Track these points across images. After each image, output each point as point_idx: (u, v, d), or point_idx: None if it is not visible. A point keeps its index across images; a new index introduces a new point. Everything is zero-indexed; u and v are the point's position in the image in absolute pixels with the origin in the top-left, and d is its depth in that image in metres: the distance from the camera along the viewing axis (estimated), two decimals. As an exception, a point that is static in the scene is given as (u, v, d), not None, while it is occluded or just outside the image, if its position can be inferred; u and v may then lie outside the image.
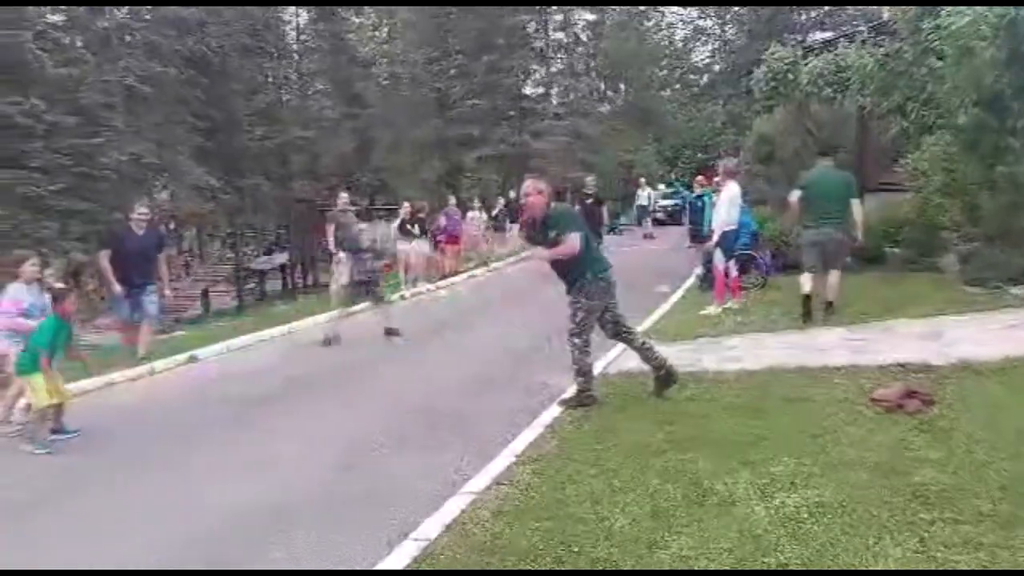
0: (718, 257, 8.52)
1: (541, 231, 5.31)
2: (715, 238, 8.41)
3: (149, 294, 8.08)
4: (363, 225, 10.81)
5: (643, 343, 5.40)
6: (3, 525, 4.09)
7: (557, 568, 3.05)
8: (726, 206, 8.36)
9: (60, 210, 16.42)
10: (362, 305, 9.55)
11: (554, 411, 5.23)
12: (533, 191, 5.28)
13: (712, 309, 8.40)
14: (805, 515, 3.26)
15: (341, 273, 11.59)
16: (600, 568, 3.02)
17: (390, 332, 8.67)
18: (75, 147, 17.48)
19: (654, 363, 5.31)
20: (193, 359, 8.32)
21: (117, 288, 7.89)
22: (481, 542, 3.32)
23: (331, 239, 11.54)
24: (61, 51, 18.26)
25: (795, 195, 7.51)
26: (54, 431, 5.50)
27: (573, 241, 5.05)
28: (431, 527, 3.53)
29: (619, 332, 5.37)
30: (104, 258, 7.97)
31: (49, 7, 18.99)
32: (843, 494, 3.42)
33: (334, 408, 6.11)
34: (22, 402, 5.85)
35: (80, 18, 20.30)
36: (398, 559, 3.26)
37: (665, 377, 5.27)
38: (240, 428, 5.71)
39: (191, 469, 4.83)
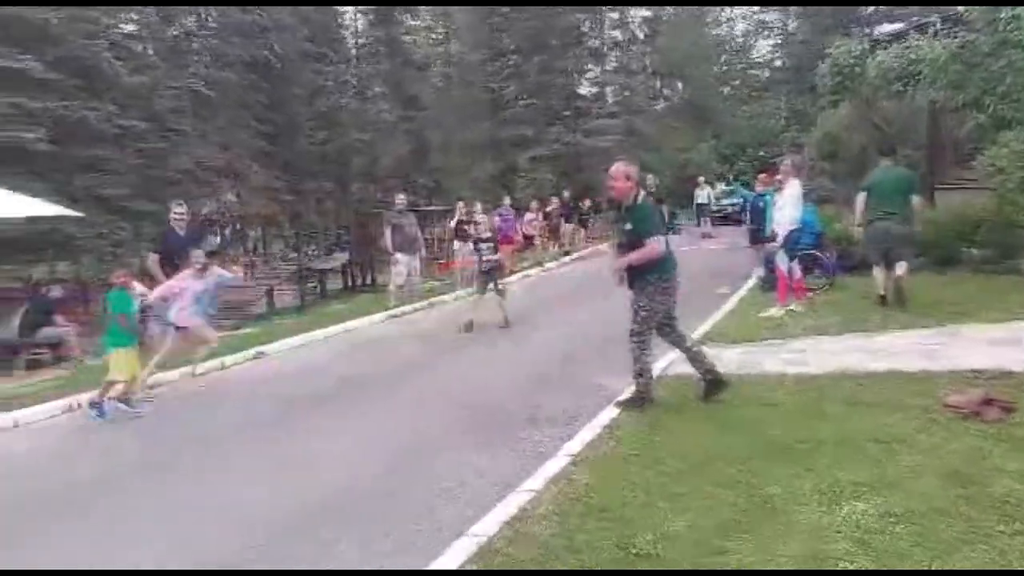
0: (781, 258, 8.29)
1: (620, 219, 5.21)
2: (779, 238, 8.19)
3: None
4: (481, 218, 11.11)
5: (691, 346, 5.33)
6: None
7: (614, 569, 3.04)
8: (790, 205, 8.13)
9: (133, 212, 17.15)
10: (415, 306, 9.69)
11: (611, 412, 5.19)
12: (621, 176, 5.09)
13: (774, 311, 8.21)
14: (873, 525, 3.16)
15: (399, 273, 11.86)
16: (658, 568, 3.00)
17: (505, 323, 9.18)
18: (146, 151, 18.27)
19: (701, 368, 5.23)
20: (259, 355, 8.60)
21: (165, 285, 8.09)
22: (539, 541, 3.33)
23: (388, 241, 11.79)
24: (134, 59, 19.09)
25: (861, 196, 7.94)
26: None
27: (654, 246, 4.97)
28: (488, 524, 3.56)
29: (669, 334, 5.29)
30: (152, 261, 7.91)
31: (122, 16, 19.86)
32: (914, 504, 3.30)
33: (392, 405, 6.22)
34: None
35: (152, 27, 21.20)
36: (455, 556, 3.29)
37: (712, 383, 5.19)
38: (300, 423, 5.88)
39: (255, 462, 4.99)
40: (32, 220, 11.72)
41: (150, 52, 20.81)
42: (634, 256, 5.05)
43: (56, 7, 15.65)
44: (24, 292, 13.08)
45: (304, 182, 24.41)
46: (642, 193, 5.24)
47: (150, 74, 18.92)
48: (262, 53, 22.67)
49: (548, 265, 16.67)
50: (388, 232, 11.81)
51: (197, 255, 7.17)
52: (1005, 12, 7.97)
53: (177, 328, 6.98)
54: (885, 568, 2.83)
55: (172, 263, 7.63)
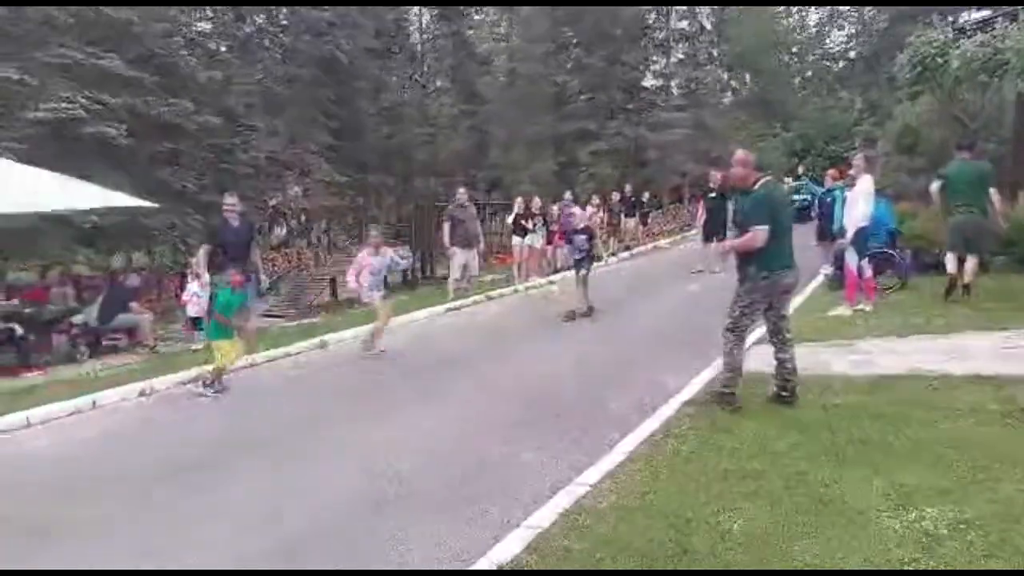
0: (850, 256, 8.00)
1: (738, 205, 5.28)
2: (849, 235, 7.88)
3: (250, 285, 8.15)
4: (575, 209, 11.25)
5: (789, 358, 5.03)
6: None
7: (672, 566, 3.02)
8: (862, 201, 7.81)
9: (204, 204, 17.87)
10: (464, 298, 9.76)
11: (671, 408, 5.15)
12: (738, 162, 5.06)
13: (843, 310, 7.93)
14: (944, 531, 3.05)
15: (456, 267, 11.99)
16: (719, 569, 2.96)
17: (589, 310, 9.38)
18: (218, 145, 19.01)
19: (783, 381, 5.03)
20: (323, 344, 8.85)
21: (206, 278, 8.37)
22: (595, 535, 3.34)
23: (445, 235, 11.91)
24: (208, 56, 19.87)
25: (935, 185, 7.95)
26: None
27: (756, 234, 4.80)
28: (544, 516, 3.59)
29: (775, 334, 5.09)
30: (204, 252, 8.27)
31: (197, 15, 20.67)
32: (988, 511, 3.16)
33: (453, 395, 6.31)
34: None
35: (225, 24, 22.02)
36: (510, 546, 3.33)
37: (786, 397, 5.01)
38: (361, 411, 6.03)
39: (314, 452, 5.14)
40: (111, 211, 12.38)
41: (223, 49, 21.62)
42: (738, 242, 4.96)
43: (135, 6, 16.40)
44: (103, 280, 13.84)
45: (367, 176, 24.93)
46: (762, 179, 5.02)
47: (223, 70, 19.66)
48: (329, 49, 23.23)
49: (609, 260, 16.53)
50: (447, 226, 11.93)
51: (375, 231, 8.89)
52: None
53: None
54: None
55: (226, 254, 7.83)
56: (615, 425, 4.96)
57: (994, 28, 9.78)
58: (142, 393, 6.88)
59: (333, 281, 18.31)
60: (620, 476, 4.00)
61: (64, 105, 14.61)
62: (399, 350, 8.49)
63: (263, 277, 9.85)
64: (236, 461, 4.92)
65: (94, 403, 6.54)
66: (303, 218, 25.53)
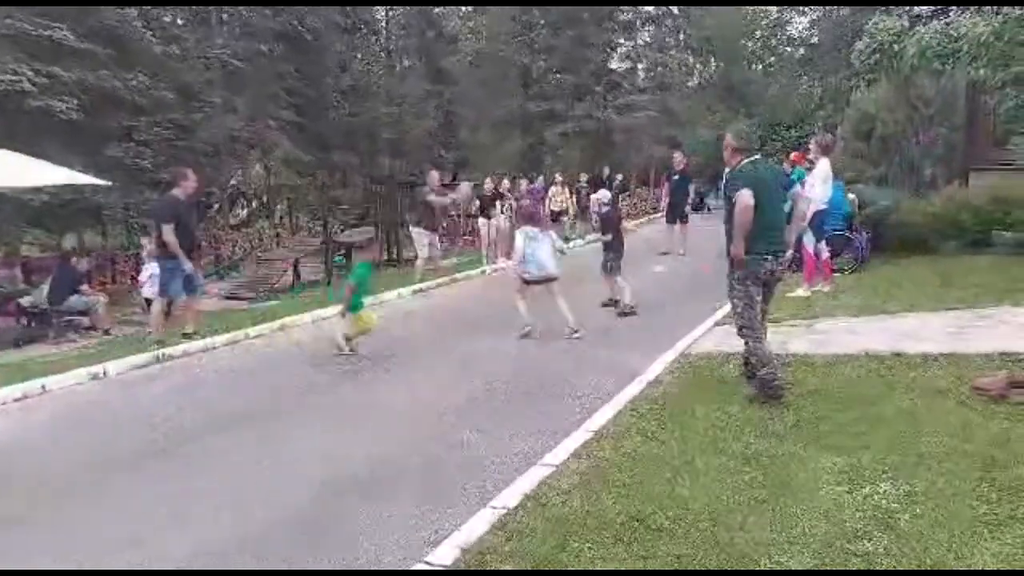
0: (808, 238, 8.18)
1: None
2: (807, 218, 8.05)
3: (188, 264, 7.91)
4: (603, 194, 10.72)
5: (757, 347, 4.77)
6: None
7: (636, 542, 3.08)
8: (819, 184, 7.99)
9: (161, 182, 17.38)
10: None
11: (632, 391, 5.22)
12: (725, 146, 4.99)
13: (801, 291, 8.11)
14: (895, 505, 3.16)
15: (423, 246, 11.91)
16: (675, 543, 3.03)
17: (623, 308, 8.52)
18: (176, 122, 18.44)
19: (747, 359, 4.97)
20: (283, 328, 8.72)
21: (189, 265, 7.74)
22: (559, 514, 3.37)
23: (413, 215, 11.82)
24: (164, 29, 19.22)
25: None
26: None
27: (742, 199, 4.52)
28: (510, 496, 3.61)
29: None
30: (170, 232, 7.59)
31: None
32: (938, 485, 3.29)
33: (414, 379, 6.29)
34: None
35: (183, -3, 21.27)
36: (476, 526, 3.34)
37: (749, 375, 4.91)
38: (327, 395, 5.98)
39: (276, 437, 5.07)
40: (61, 189, 11.96)
41: (179, 22, 20.93)
42: (735, 222, 4.62)
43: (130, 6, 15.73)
44: (53, 261, 13.37)
45: (331, 155, 24.49)
46: (746, 159, 4.84)
47: (180, 45, 19.03)
48: (292, 24, 22.68)
49: (575, 242, 16.58)
50: (422, 208, 11.83)
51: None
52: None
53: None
54: (906, 545, 2.83)
55: (182, 235, 7.66)
56: (580, 405, 5.01)
57: (948, 16, 10.01)
58: (95, 377, 6.71)
59: (296, 263, 18.05)
60: (585, 455, 4.05)
61: (9, 77, 14.01)
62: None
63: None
64: (194, 447, 4.84)
65: (43, 388, 6.33)
66: (265, 197, 25.04)
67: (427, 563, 3.10)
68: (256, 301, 13.89)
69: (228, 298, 15.53)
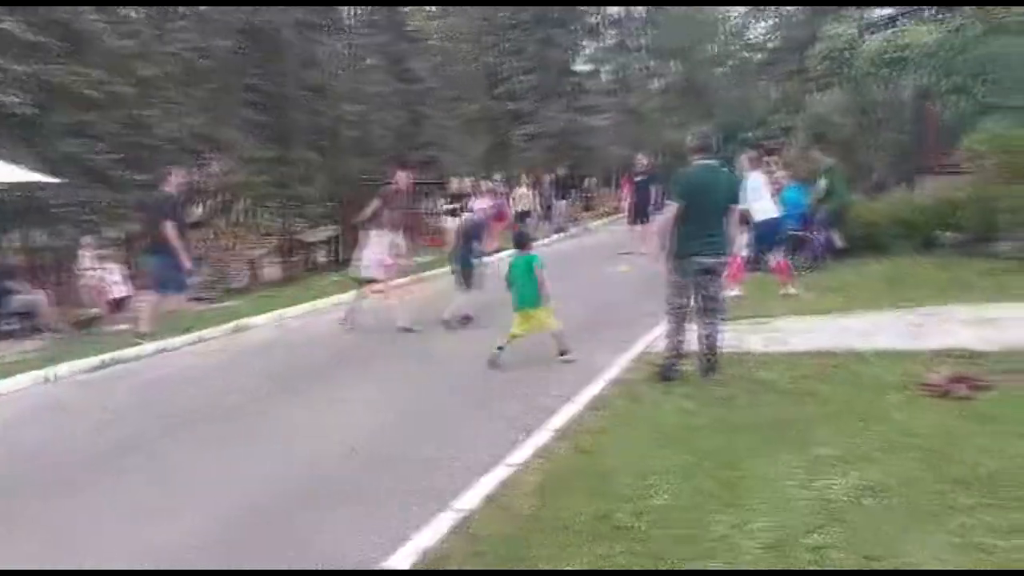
0: (739, 243, 8.34)
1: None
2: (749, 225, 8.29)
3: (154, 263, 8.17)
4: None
5: (709, 335, 5.24)
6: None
7: (597, 541, 3.13)
8: (750, 197, 8.20)
9: (116, 180, 16.91)
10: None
11: (597, 386, 5.29)
12: (687, 146, 5.37)
13: (730, 291, 8.23)
14: (846, 498, 3.27)
15: (386, 247, 11.79)
16: (636, 541, 3.09)
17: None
18: (132, 118, 17.94)
19: (704, 356, 5.27)
20: (240, 328, 8.59)
21: (189, 264, 7.87)
22: (520, 515, 3.41)
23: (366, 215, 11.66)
24: (120, 23, 18.69)
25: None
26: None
27: (667, 208, 5.15)
28: (471, 498, 3.64)
29: (701, 312, 5.25)
30: (171, 228, 7.65)
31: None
32: (887, 478, 3.41)
33: (374, 380, 6.27)
34: None
35: (140, -9, 20.70)
36: (438, 529, 3.36)
37: (707, 373, 5.25)
38: (284, 398, 5.92)
39: (236, 438, 5.03)
40: (11, 187, 11.54)
41: (135, 15, 20.37)
42: (658, 226, 5.27)
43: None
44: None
45: (293, 153, 24.12)
46: (698, 161, 5.21)
47: (138, 39, 18.53)
48: (254, 20, 22.25)
49: (542, 242, 16.65)
50: (374, 207, 11.67)
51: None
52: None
53: None
54: (858, 537, 2.94)
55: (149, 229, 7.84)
56: (543, 405, 5.06)
57: (895, 25, 10.36)
58: (46, 380, 6.54)
59: (254, 263, 17.71)
60: (547, 455, 4.10)
61: (-46, 70, 13.47)
62: (327, 331, 8.37)
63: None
64: (150, 449, 4.76)
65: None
66: (223, 195, 24.51)
67: (386, 567, 3.11)
68: (214, 301, 13.61)
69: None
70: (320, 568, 3.17)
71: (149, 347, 7.56)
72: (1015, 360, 4.87)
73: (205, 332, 8.31)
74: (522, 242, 6.63)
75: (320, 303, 9.98)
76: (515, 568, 2.98)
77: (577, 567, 2.94)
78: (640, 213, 13.57)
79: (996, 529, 2.89)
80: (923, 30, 9.07)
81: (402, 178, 12.04)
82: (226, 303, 12.90)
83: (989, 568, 2.69)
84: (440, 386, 5.84)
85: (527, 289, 6.21)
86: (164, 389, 6.35)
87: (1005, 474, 3.32)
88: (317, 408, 5.48)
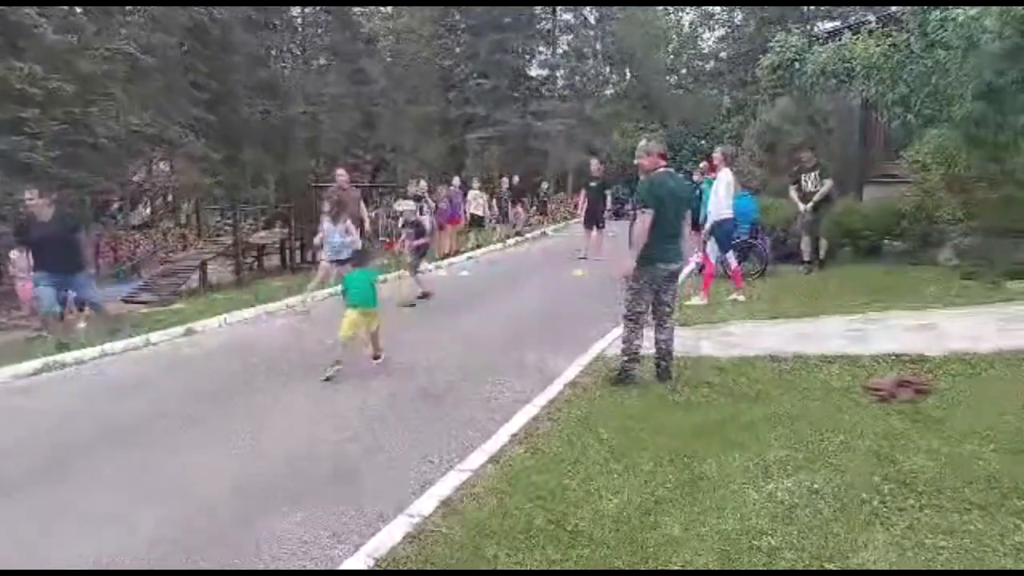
0: (710, 248, 8.47)
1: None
2: (707, 227, 8.36)
3: (77, 281, 8.09)
4: (407, 204, 11.46)
5: (665, 340, 5.33)
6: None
7: (551, 545, 3.09)
8: (722, 192, 8.31)
9: (55, 178, 16.26)
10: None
11: (549, 394, 5.27)
12: (640, 152, 5.33)
13: (697, 300, 8.28)
14: (797, 500, 3.31)
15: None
16: (586, 544, 3.07)
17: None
18: (72, 115, 17.29)
19: (658, 361, 5.35)
20: (190, 332, 8.32)
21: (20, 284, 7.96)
22: (475, 520, 3.36)
23: (324, 220, 11.47)
24: (61, 17, 18.00)
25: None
26: None
27: (641, 218, 5.10)
28: (425, 503, 3.57)
29: (655, 316, 5.34)
30: (15, 255, 8.00)
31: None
32: (835, 480, 3.46)
33: (327, 383, 6.12)
34: None
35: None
36: (391, 535, 3.29)
37: (661, 377, 5.32)
38: (236, 400, 5.73)
39: (180, 444, 4.85)
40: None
41: (78, 11, 19.64)
42: (631, 236, 5.19)
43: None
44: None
45: (243, 153, 23.59)
46: (658, 169, 5.23)
47: (79, 34, 17.86)
48: (201, 17, 21.71)
49: (494, 246, 16.64)
50: (327, 209, 11.48)
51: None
52: (935, 14, 8.29)
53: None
54: (807, 539, 2.97)
55: (38, 251, 7.78)
56: (494, 409, 5.02)
57: (841, 39, 10.66)
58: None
59: (203, 266, 17.24)
60: (502, 459, 4.05)
61: None
62: (278, 335, 8.16)
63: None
64: (89, 456, 4.53)
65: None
66: (170, 197, 23.83)
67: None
68: (159, 305, 13.18)
69: (128, 302, 14.67)
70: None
71: (92, 351, 7.24)
72: (959, 364, 5.03)
73: (152, 336, 8.00)
74: (362, 260, 6.98)
75: (271, 306, 9.71)
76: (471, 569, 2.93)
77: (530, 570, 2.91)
78: (594, 218, 13.66)
79: (941, 531, 2.95)
80: (868, 43, 9.35)
81: (341, 176, 11.91)
82: (175, 306, 12.52)
83: (936, 568, 2.74)
84: (393, 389, 5.73)
85: (367, 294, 6.29)
86: (107, 394, 6.08)
87: (948, 476, 3.41)
88: (268, 413, 5.31)
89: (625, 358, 5.32)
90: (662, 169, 5.26)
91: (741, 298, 8.30)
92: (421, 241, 10.18)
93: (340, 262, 9.25)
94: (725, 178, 8.34)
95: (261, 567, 3.17)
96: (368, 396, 5.58)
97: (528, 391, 5.34)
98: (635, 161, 5.42)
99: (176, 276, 16.80)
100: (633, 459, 3.91)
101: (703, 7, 38.54)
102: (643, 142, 5.39)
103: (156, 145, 21.16)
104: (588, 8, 33.62)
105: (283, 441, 4.72)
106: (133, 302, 14.52)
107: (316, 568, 3.14)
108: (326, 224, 9.59)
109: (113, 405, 5.75)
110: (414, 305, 9.45)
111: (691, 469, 3.74)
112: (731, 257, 8.82)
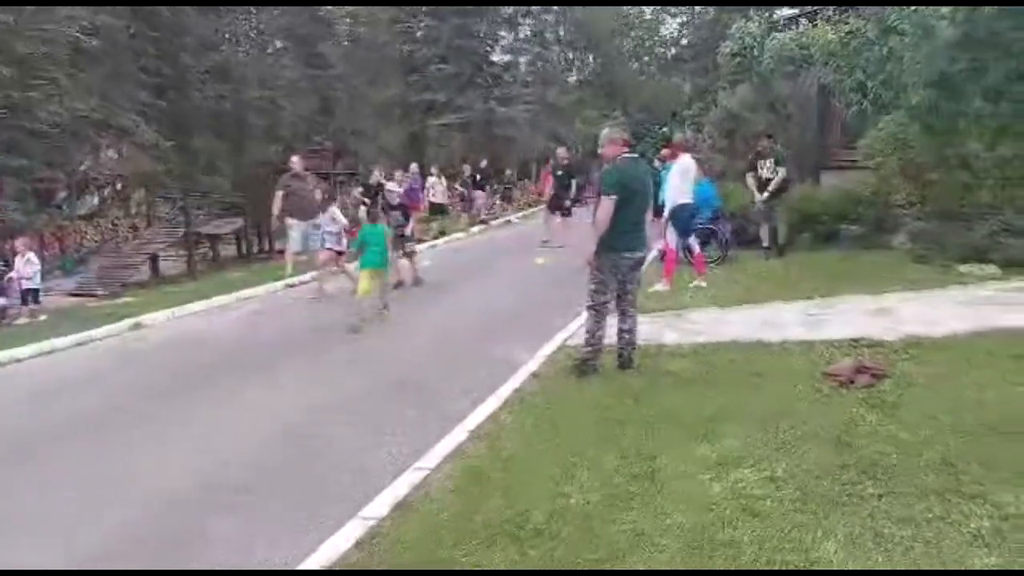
0: (670, 234, 8.42)
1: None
2: (666, 213, 8.29)
3: None
4: (390, 185, 11.31)
5: (628, 329, 5.25)
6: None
7: (512, 545, 3.00)
8: (679, 179, 8.27)
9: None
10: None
11: (511, 385, 5.18)
12: (608, 141, 5.19)
13: (660, 286, 8.26)
14: (759, 491, 3.27)
15: (294, 239, 11.33)
16: (550, 541, 2.98)
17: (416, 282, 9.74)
18: (9, 100, 16.48)
19: (621, 350, 5.27)
20: (137, 327, 8.01)
21: None
22: (431, 520, 3.25)
23: (276, 205, 11.19)
24: (-6, -4, 17.10)
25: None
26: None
27: (602, 203, 4.95)
28: (380, 506, 3.45)
29: (618, 305, 5.25)
30: None
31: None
32: (796, 469, 3.44)
33: (279, 379, 5.93)
34: None
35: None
36: (346, 538, 3.17)
37: (623, 366, 5.26)
38: (180, 401, 5.52)
39: (132, 441, 4.65)
40: None
41: (16, -11, 18.69)
42: (595, 222, 5.02)
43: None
44: None
45: (195, 140, 22.85)
46: (621, 156, 5.12)
47: (14, 13, 17.00)
48: (149, -2, 20.88)
49: (456, 234, 16.44)
50: (279, 196, 11.19)
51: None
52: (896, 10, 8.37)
53: None
54: (769, 529, 2.93)
55: None
56: (453, 404, 4.90)
57: (799, 26, 10.73)
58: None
59: (154, 258, 16.66)
60: (461, 456, 3.95)
61: None
62: (229, 328, 7.91)
63: None
64: (40, 455, 4.31)
65: None
66: (119, 185, 22.99)
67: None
68: (107, 298, 12.71)
69: (75, 295, 14.12)
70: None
71: (30, 348, 6.91)
72: (915, 349, 5.07)
73: (97, 331, 7.68)
74: (374, 216, 8.14)
75: (222, 299, 9.42)
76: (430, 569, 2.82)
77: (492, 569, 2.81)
78: (559, 205, 13.59)
79: (900, 519, 2.94)
80: (826, 30, 9.40)
81: (296, 163, 11.63)
82: (123, 299, 12.10)
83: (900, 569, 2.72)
84: (350, 383, 5.58)
85: (381, 256, 7.56)
86: (49, 392, 5.80)
87: (905, 463, 3.41)
88: (216, 412, 5.12)
89: (588, 348, 5.24)
90: (627, 155, 5.17)
91: (703, 284, 8.31)
92: (406, 226, 9.89)
93: (339, 252, 9.23)
94: (683, 164, 8.30)
95: (206, 567, 3.01)
96: (324, 391, 5.42)
97: (490, 384, 5.23)
98: (599, 151, 5.32)
99: (126, 268, 16.22)
100: (594, 453, 3.84)
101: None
102: (605, 131, 5.30)
103: (103, 131, 20.34)
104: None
105: (230, 441, 4.54)
106: (79, 295, 13.96)
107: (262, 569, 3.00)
108: (321, 218, 9.65)
109: (54, 403, 5.48)
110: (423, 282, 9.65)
111: (653, 462, 3.67)
112: (693, 242, 8.81)
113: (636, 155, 5.31)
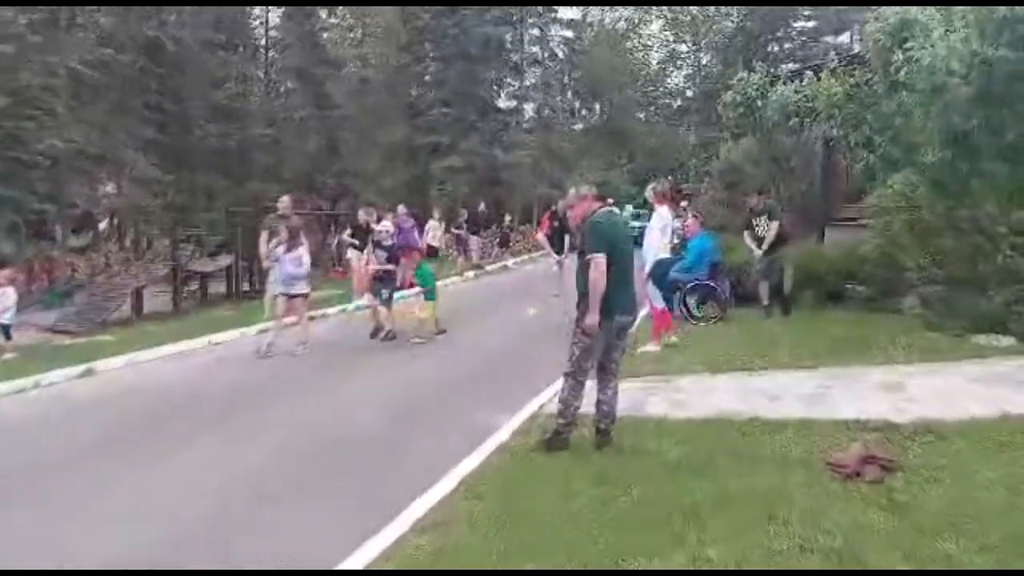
0: (652, 290, 7.81)
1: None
2: (647, 269, 7.60)
3: None
4: (382, 225, 10.67)
5: (607, 400, 4.70)
6: None
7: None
8: (657, 232, 7.73)
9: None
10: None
11: (477, 458, 4.65)
12: (572, 197, 4.86)
13: (651, 347, 7.72)
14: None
15: (273, 281, 10.85)
16: None
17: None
18: (6, 130, 16.34)
19: (598, 423, 4.72)
20: (89, 372, 7.47)
21: None
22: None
23: (261, 246, 10.78)
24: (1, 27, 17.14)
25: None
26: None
27: (595, 263, 4.40)
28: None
29: (600, 371, 4.72)
30: None
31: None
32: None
33: (227, 441, 5.40)
34: None
35: (28, -4, 19.10)
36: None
37: (599, 441, 4.71)
38: (108, 461, 4.98)
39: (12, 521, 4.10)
40: None
41: (21, 21, 18.76)
42: (590, 288, 4.43)
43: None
44: None
45: (196, 176, 22.70)
46: (600, 209, 4.70)
47: (16, 44, 16.97)
48: (156, 35, 20.96)
49: (451, 279, 15.99)
50: (263, 237, 10.78)
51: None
52: (897, 56, 8.00)
53: None
54: None
55: None
56: (409, 481, 4.34)
57: (803, 79, 10.41)
58: None
59: (139, 292, 16.25)
60: (398, 555, 3.39)
61: None
62: (180, 381, 7.39)
63: None
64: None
65: None
66: (115, 219, 22.77)
67: None
68: (83, 335, 12.26)
69: (53, 331, 13.65)
70: None
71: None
72: (929, 434, 4.50)
73: (47, 376, 7.17)
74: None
75: (191, 344, 8.92)
76: None
77: None
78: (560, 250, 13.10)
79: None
80: (831, 82, 9.07)
81: (285, 204, 11.28)
82: (97, 337, 11.64)
83: None
84: (294, 448, 5.04)
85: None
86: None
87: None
88: (144, 480, 4.57)
89: (562, 420, 4.68)
90: (602, 208, 4.72)
91: (675, 339, 7.76)
92: (389, 267, 9.35)
93: (290, 296, 8.46)
94: (661, 218, 7.76)
95: None
96: (245, 464, 4.85)
97: (451, 458, 4.67)
98: (568, 215, 4.89)
99: (109, 304, 15.78)
100: (554, 550, 3.29)
101: (670, 46, 39.07)
102: (571, 191, 4.86)
103: (100, 165, 20.19)
104: (556, 41, 33.73)
105: (164, 508, 4.00)
106: (57, 331, 13.49)
107: None
108: (279, 249, 8.78)
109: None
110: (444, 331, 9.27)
111: (619, 565, 3.11)
112: (660, 298, 8.05)
113: (611, 207, 4.87)
